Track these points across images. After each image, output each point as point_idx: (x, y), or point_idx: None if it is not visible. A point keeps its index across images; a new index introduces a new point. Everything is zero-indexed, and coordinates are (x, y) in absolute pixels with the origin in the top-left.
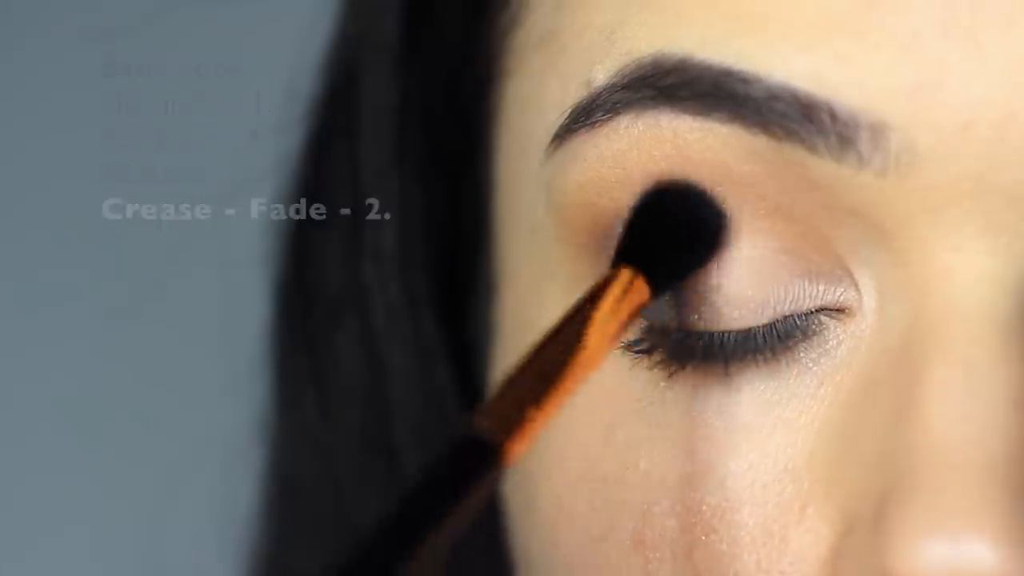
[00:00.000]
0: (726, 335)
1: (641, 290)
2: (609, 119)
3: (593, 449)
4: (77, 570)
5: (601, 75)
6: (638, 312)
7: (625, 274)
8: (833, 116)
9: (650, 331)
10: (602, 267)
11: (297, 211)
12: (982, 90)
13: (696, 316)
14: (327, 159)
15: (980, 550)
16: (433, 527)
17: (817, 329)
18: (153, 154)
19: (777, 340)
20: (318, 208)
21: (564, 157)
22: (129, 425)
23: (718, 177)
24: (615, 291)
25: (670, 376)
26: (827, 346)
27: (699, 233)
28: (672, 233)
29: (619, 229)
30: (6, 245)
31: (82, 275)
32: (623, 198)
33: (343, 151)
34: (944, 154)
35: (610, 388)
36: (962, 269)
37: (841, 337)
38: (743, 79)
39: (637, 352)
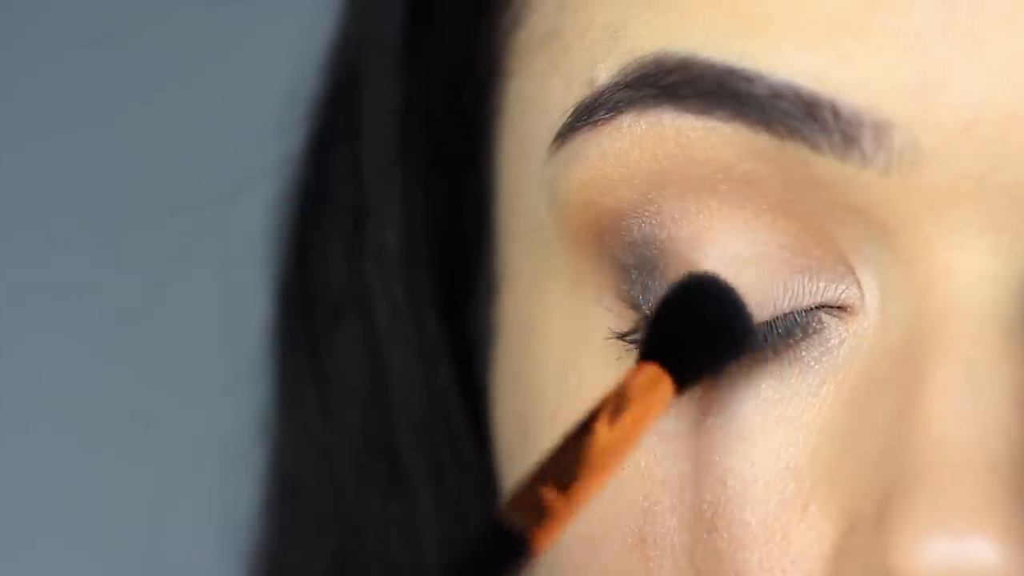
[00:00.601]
0: None
1: (666, 389)
2: (612, 118)
3: None
4: (77, 570)
5: (603, 74)
6: (663, 412)
7: (650, 372)
8: (836, 114)
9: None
10: (604, 268)
11: (299, 211)
12: (984, 90)
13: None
14: (329, 159)
15: (982, 549)
16: None
17: (819, 327)
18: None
19: (778, 338)
20: (320, 208)
21: (567, 156)
22: (130, 425)
23: (720, 175)
24: (641, 389)
25: None
26: (829, 345)
27: (727, 331)
28: (700, 330)
29: (621, 229)
30: (6, 245)
31: (83, 275)
32: (626, 197)
33: (345, 151)
34: (946, 153)
35: (610, 386)
36: (964, 268)
37: (843, 336)
38: (746, 77)
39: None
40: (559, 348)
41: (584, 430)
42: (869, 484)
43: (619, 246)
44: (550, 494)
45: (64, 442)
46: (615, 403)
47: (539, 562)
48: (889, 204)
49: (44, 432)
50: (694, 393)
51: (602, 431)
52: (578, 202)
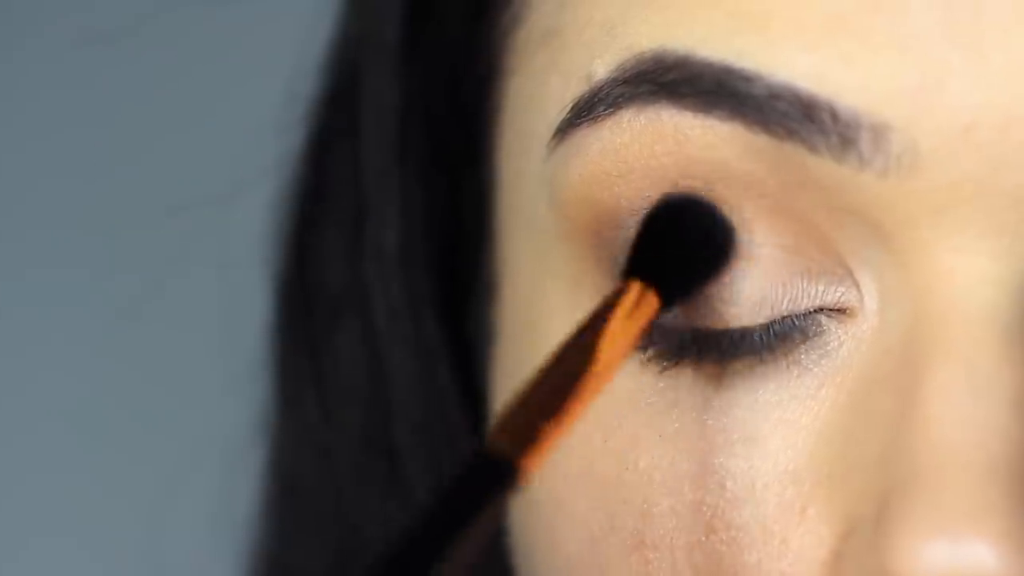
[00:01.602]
0: (724, 334)
1: (651, 303)
2: (611, 113)
3: (593, 449)
4: (77, 570)
5: (601, 69)
6: (649, 326)
7: (635, 287)
8: (835, 116)
9: (649, 330)
10: (603, 266)
11: (298, 210)
12: (984, 93)
13: (695, 314)
14: (328, 159)
15: (981, 552)
16: (450, 547)
17: (818, 330)
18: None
19: (776, 340)
20: (319, 208)
21: (566, 152)
22: (129, 425)
23: (718, 174)
24: (626, 305)
25: (669, 375)
26: (828, 347)
27: (708, 246)
28: (681, 246)
29: (620, 226)
30: (6, 245)
31: (83, 275)
32: (624, 193)
33: (344, 151)
34: (945, 156)
35: (609, 388)
36: (963, 271)
37: (842, 338)
38: (744, 77)
39: (636, 351)
40: (551, 351)
41: (569, 351)
42: (868, 487)
43: (617, 243)
44: (537, 419)
45: (64, 442)
46: (599, 321)
47: (540, 563)
48: (887, 206)
49: (44, 432)
50: (693, 391)
51: (587, 350)
52: (577, 198)
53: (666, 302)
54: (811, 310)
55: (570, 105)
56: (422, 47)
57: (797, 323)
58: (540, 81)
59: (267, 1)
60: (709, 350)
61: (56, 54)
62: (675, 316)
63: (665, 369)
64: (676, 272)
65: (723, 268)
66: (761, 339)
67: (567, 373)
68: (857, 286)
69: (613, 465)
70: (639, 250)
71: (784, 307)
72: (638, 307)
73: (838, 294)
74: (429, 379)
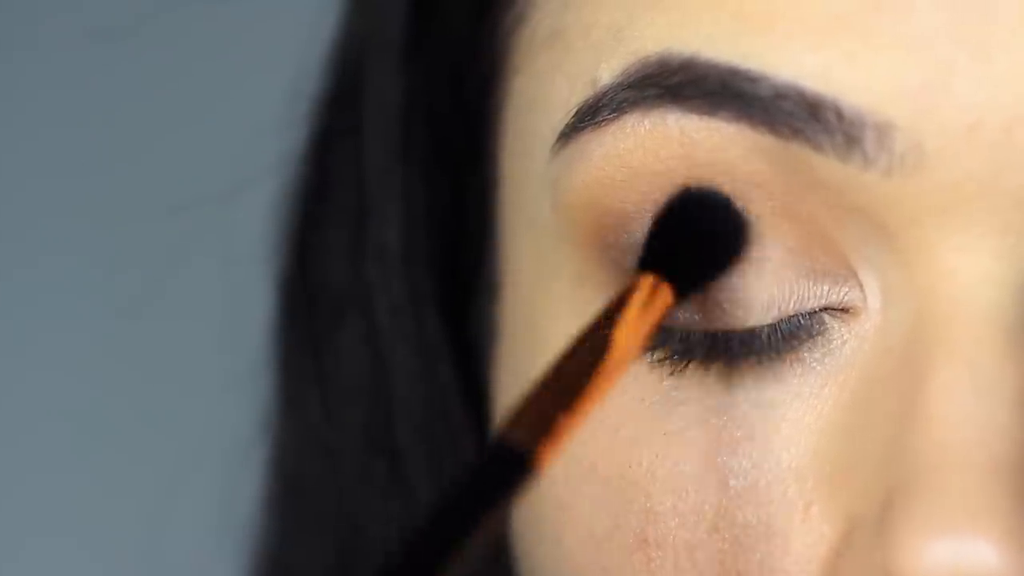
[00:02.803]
0: (731, 334)
1: (665, 296)
2: (615, 118)
3: (596, 448)
4: (78, 569)
5: (607, 74)
6: (663, 318)
7: (649, 280)
8: (839, 115)
9: (655, 330)
10: (606, 268)
11: (301, 209)
12: (989, 92)
13: (701, 315)
14: (331, 157)
15: (983, 551)
16: (467, 538)
17: (821, 329)
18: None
19: (781, 340)
20: (322, 207)
21: (570, 156)
22: (131, 424)
23: (724, 176)
24: (640, 297)
25: (674, 375)
26: (831, 346)
27: (722, 238)
28: (695, 239)
29: (624, 230)
30: (8, 243)
31: (85, 273)
32: (629, 198)
33: (347, 149)
34: (950, 155)
35: (613, 386)
36: (967, 270)
37: (845, 337)
38: (750, 78)
39: (643, 352)
40: (561, 347)
41: (584, 343)
42: (871, 485)
43: (621, 247)
44: (551, 409)
45: (66, 441)
46: (614, 313)
47: (543, 562)
48: (891, 205)
49: (45, 431)
50: (697, 390)
51: (602, 342)
52: (581, 203)
53: (680, 294)
54: (816, 309)
55: (574, 109)
56: (426, 45)
57: (802, 322)
58: (544, 82)
59: None
60: (715, 351)
61: (58, 51)
62: (682, 317)
63: (671, 370)
64: (690, 265)
65: (736, 259)
66: (767, 339)
67: (582, 364)
68: (860, 285)
69: (616, 464)
70: (653, 243)
71: (791, 308)
72: (652, 300)
73: (842, 294)
74: (431, 378)
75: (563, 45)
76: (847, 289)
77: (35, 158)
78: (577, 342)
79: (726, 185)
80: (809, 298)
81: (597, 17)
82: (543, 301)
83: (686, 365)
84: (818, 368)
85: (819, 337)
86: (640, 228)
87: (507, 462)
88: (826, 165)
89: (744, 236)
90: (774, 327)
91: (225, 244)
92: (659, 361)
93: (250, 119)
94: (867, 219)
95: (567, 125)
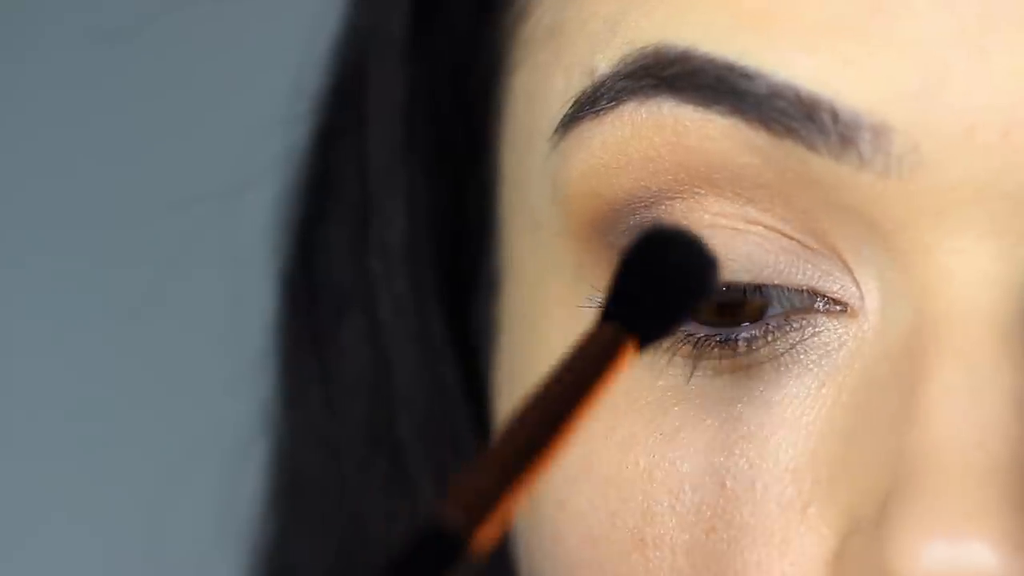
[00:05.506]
0: (725, 333)
1: (628, 348)
2: (613, 107)
3: (593, 447)
4: (79, 566)
5: (604, 64)
6: (620, 370)
7: (609, 331)
8: (835, 116)
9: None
10: (604, 262)
11: (303, 206)
12: (987, 95)
13: (694, 313)
14: (334, 154)
15: (981, 552)
16: None
17: (818, 329)
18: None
19: (777, 339)
20: (324, 203)
21: (569, 146)
22: (133, 420)
23: (716, 165)
24: (601, 350)
25: (670, 375)
26: (829, 347)
27: (688, 282)
28: (660, 285)
29: (620, 221)
30: (11, 242)
31: (87, 272)
32: (624, 185)
33: (350, 146)
34: (947, 158)
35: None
36: (963, 272)
37: (843, 338)
38: (746, 75)
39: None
40: (561, 343)
41: (537, 407)
42: (868, 486)
43: (617, 237)
44: (495, 488)
45: (68, 438)
46: (571, 368)
47: (541, 561)
48: (887, 207)
49: (47, 428)
50: (693, 390)
51: (556, 402)
52: (580, 193)
53: (644, 341)
54: (812, 309)
55: (572, 99)
56: (428, 42)
57: (799, 323)
58: (543, 76)
59: None
60: (710, 350)
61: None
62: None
63: (666, 369)
64: (655, 318)
65: (702, 299)
66: (763, 338)
67: (532, 437)
68: (857, 285)
69: (614, 464)
70: (615, 292)
71: (785, 305)
72: (614, 354)
73: (838, 293)
74: (433, 374)
75: (562, 38)
76: (843, 288)
77: (36, 156)
78: (530, 405)
79: (718, 174)
80: (804, 295)
81: (595, 10)
82: (542, 296)
83: (683, 365)
84: (816, 369)
85: (816, 338)
86: (632, 218)
87: (440, 543)
88: (820, 163)
89: (712, 277)
90: (768, 325)
91: (228, 242)
92: (655, 362)
93: (252, 118)
94: (862, 218)
95: (565, 116)
